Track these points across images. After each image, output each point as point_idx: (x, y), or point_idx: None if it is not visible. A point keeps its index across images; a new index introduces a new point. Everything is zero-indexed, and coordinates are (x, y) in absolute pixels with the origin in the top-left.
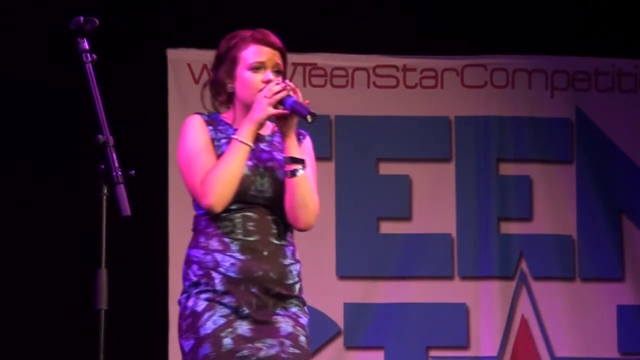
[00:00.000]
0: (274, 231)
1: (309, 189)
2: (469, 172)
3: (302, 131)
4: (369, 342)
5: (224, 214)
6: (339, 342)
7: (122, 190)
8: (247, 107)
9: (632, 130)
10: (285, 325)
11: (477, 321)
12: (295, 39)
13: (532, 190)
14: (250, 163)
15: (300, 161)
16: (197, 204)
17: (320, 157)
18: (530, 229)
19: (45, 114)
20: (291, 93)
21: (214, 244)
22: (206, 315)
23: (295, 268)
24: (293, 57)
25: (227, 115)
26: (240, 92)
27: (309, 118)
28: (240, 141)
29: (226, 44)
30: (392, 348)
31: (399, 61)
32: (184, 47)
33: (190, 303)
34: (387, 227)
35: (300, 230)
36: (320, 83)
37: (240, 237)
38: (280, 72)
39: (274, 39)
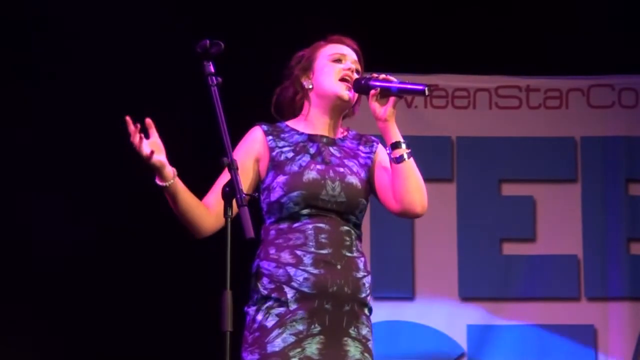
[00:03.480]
0: (347, 243)
1: (417, 172)
2: (596, 192)
3: (373, 137)
4: None
5: (295, 225)
6: None
7: (246, 212)
8: (327, 100)
9: None
10: (354, 350)
11: (605, 343)
12: (416, 60)
13: None
14: (319, 167)
15: (405, 145)
16: (267, 213)
17: (441, 179)
18: None
19: (168, 136)
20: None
21: (286, 256)
22: (276, 331)
23: (367, 280)
24: (414, 79)
25: (294, 122)
26: (320, 84)
27: (427, 91)
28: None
29: (299, 54)
30: None
31: (522, 82)
32: None
33: (259, 317)
34: (510, 249)
35: (417, 215)
36: (442, 104)
37: (312, 250)
38: (358, 71)
39: (349, 40)
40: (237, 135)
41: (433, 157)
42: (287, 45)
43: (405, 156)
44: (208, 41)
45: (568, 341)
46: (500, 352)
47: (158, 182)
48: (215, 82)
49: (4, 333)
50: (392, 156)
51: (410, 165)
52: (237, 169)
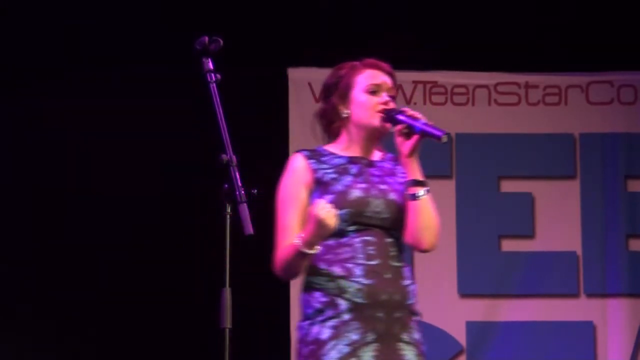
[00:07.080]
0: (393, 253)
1: (431, 210)
2: (595, 189)
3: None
4: None
5: (343, 239)
6: None
7: (245, 209)
8: (364, 130)
9: None
10: (410, 354)
11: (604, 340)
12: (415, 57)
13: None
14: (363, 185)
15: (423, 183)
16: None
17: (440, 175)
18: None
19: (168, 133)
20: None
21: (337, 270)
22: (331, 343)
23: (413, 288)
24: (413, 75)
25: (331, 146)
26: (357, 116)
27: (444, 138)
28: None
29: (335, 74)
30: None
31: (521, 78)
32: (304, 66)
33: (314, 330)
34: (509, 245)
35: (424, 251)
36: (441, 101)
37: (362, 261)
38: (393, 97)
39: (385, 65)
40: (237, 135)
41: (432, 153)
42: (286, 45)
43: (421, 194)
44: (207, 38)
45: (567, 338)
46: (499, 349)
47: (304, 249)
48: (214, 78)
49: (4, 332)
50: (407, 192)
51: (424, 204)
52: (236, 165)
